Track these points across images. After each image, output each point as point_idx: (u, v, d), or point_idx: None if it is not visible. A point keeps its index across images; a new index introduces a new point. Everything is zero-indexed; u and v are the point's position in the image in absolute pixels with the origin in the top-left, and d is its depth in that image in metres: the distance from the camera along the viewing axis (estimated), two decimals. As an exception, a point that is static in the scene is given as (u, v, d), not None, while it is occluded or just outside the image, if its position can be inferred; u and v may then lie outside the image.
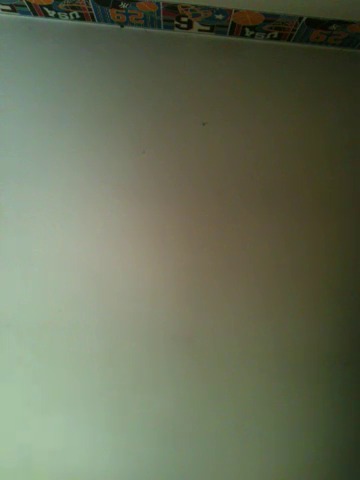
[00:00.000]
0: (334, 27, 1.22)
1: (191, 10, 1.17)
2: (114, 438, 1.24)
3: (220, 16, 1.19)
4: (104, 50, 1.27)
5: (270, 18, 1.19)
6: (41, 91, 1.25)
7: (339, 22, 1.19)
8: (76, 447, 1.24)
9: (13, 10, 1.24)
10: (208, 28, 1.25)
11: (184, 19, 1.22)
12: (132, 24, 1.26)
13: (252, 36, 1.29)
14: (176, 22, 1.24)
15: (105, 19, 1.25)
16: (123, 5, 1.17)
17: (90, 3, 1.18)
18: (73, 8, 1.20)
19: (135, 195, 1.26)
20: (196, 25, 1.25)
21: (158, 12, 1.19)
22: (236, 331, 1.27)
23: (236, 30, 1.26)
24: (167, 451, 1.25)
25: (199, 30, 1.27)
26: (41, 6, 1.21)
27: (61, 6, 1.20)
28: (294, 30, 1.24)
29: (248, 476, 1.27)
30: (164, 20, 1.23)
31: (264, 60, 1.31)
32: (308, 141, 1.31)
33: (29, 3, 1.20)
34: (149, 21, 1.24)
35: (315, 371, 1.29)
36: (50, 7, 1.20)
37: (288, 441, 1.28)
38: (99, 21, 1.26)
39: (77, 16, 1.24)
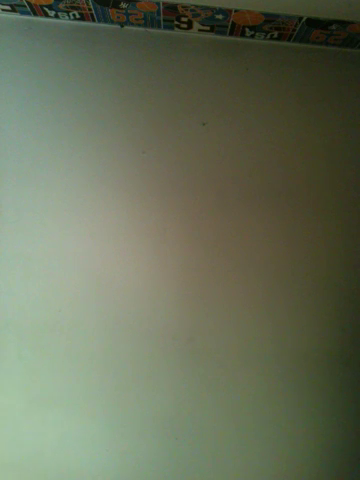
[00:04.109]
0: (334, 27, 1.22)
1: (191, 10, 1.17)
2: (113, 437, 1.24)
3: (220, 16, 1.19)
4: (104, 50, 1.27)
5: (270, 18, 1.19)
6: (41, 91, 1.25)
7: (339, 22, 1.19)
8: (75, 446, 1.24)
9: (13, 10, 1.24)
10: (208, 28, 1.25)
11: (184, 19, 1.22)
12: (132, 24, 1.26)
13: (252, 36, 1.29)
14: (176, 22, 1.24)
15: (105, 19, 1.25)
16: (123, 5, 1.17)
17: (90, 3, 1.18)
18: (73, 8, 1.20)
19: (135, 195, 1.26)
20: (196, 25, 1.25)
21: (158, 12, 1.19)
22: (236, 331, 1.27)
23: (236, 30, 1.26)
24: (166, 450, 1.25)
25: (199, 30, 1.27)
26: (41, 6, 1.21)
27: (61, 6, 1.20)
28: (294, 30, 1.24)
29: (247, 475, 1.27)
30: (164, 20, 1.23)
31: (264, 60, 1.31)
32: (308, 140, 1.31)
33: (29, 3, 1.20)
34: (149, 21, 1.24)
35: (315, 371, 1.29)
36: (50, 7, 1.21)
37: (287, 441, 1.28)
38: (99, 21, 1.26)
39: (77, 16, 1.24)
